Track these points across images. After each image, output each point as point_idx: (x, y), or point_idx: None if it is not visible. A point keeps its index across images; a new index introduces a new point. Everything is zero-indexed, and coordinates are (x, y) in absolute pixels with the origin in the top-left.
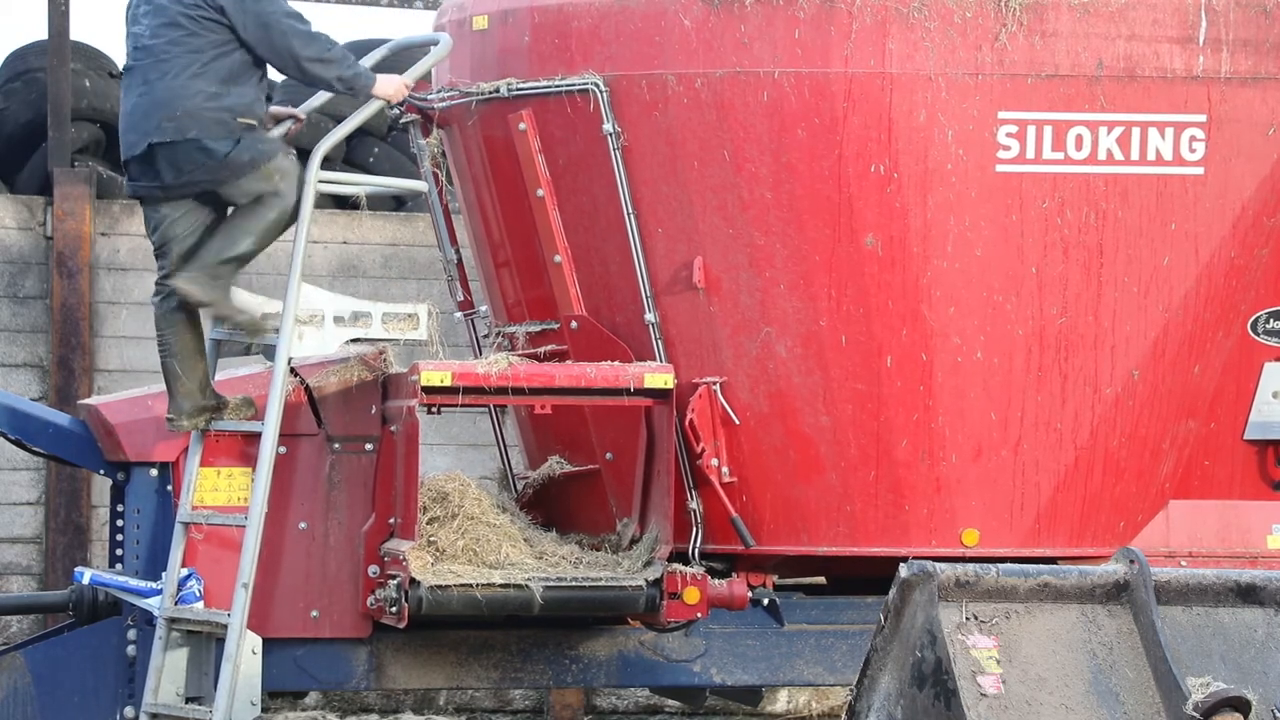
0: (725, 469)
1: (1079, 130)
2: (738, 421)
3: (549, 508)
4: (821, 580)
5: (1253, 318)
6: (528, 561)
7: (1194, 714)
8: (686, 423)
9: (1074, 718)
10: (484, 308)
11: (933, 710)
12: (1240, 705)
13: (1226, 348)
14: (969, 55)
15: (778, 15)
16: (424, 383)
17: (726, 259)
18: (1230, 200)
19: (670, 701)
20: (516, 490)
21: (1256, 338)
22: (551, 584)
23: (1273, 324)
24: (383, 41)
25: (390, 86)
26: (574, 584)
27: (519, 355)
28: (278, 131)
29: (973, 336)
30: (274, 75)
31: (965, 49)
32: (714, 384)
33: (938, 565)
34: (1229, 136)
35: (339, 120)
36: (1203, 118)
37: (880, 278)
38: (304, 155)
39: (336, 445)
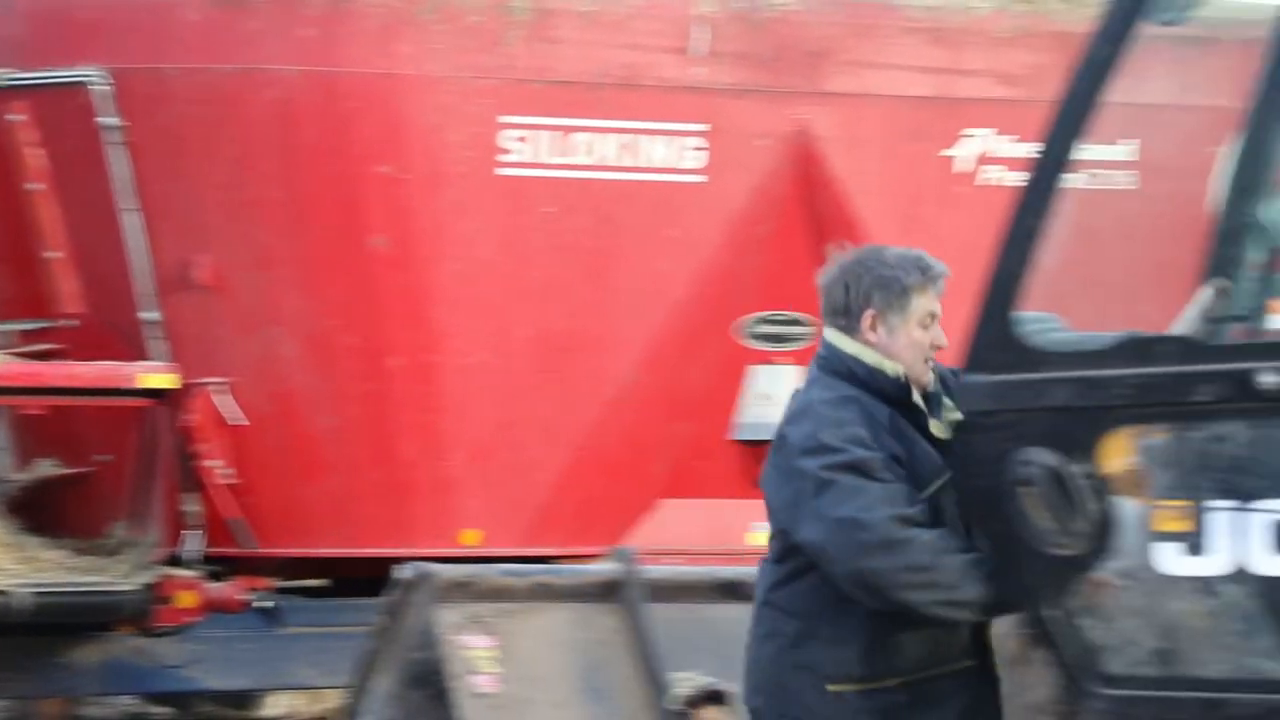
0: (227, 470)
1: (583, 136)
2: (243, 422)
3: (39, 512)
4: (329, 583)
5: (741, 322)
6: (10, 567)
7: (673, 707)
8: (187, 423)
9: (562, 714)
10: None
11: (427, 709)
12: (719, 698)
13: (717, 351)
14: (476, 59)
15: (287, 13)
16: None
17: (233, 257)
18: (726, 208)
19: (158, 709)
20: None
21: (743, 342)
22: (37, 590)
23: (759, 329)
24: None
25: None
26: (61, 589)
27: (10, 354)
28: None
29: (477, 339)
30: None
31: (472, 52)
32: (218, 384)
33: (437, 566)
34: (726, 146)
35: None
36: (703, 126)
37: (388, 279)
38: None
39: None
